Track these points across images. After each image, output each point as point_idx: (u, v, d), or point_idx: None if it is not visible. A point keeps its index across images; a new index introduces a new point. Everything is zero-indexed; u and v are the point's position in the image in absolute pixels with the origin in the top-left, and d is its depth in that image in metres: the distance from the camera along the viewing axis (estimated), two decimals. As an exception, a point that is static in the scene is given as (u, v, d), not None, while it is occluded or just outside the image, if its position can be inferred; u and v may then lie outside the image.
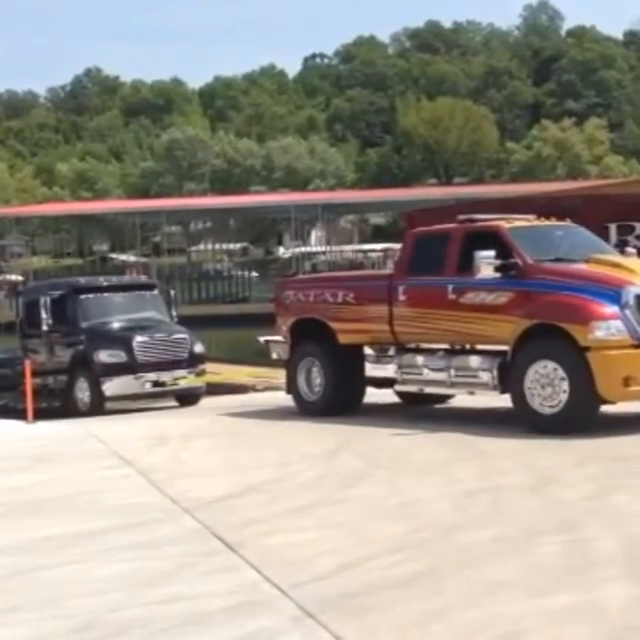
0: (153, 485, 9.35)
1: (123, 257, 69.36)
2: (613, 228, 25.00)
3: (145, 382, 17.65)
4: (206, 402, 17.69)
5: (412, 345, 12.75)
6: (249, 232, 77.03)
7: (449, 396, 13.53)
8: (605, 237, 24.20)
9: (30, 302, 19.55)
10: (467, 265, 11.69)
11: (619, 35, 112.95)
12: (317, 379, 13.60)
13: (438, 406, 13.92)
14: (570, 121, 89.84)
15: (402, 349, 12.76)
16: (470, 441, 10.76)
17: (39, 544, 7.40)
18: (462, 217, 12.49)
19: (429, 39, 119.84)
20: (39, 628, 5.54)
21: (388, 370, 12.91)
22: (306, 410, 13.63)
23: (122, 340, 17.79)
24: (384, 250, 57.48)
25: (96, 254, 71.50)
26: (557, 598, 5.44)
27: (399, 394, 13.81)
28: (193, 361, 18.12)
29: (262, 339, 15.14)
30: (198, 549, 6.98)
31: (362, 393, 13.68)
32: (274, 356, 14.77)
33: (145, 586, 6.16)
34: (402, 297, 12.64)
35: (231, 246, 71.46)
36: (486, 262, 11.37)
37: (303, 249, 64.89)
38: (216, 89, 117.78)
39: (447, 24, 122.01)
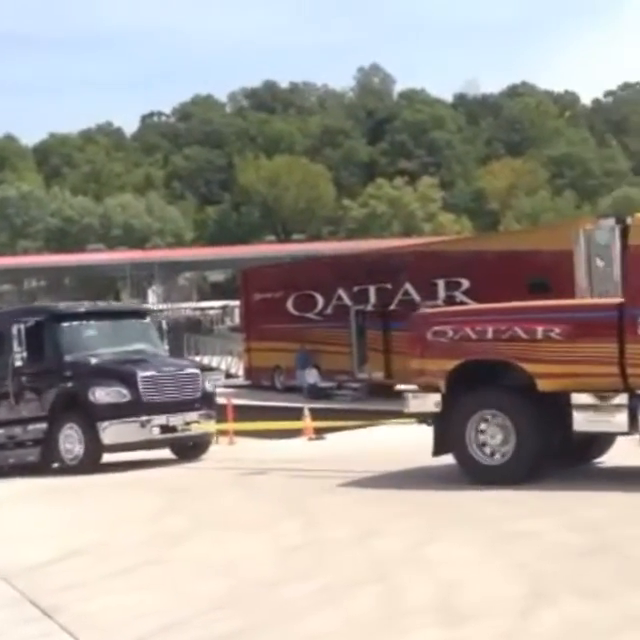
0: (-29, 553, 9.06)
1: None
2: (441, 283, 26.01)
3: (152, 427, 14.61)
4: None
5: None
6: (85, 290, 75.72)
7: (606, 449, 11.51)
8: (433, 293, 25.18)
9: None
10: None
11: (448, 97, 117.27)
12: (498, 436, 10.74)
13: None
14: (403, 179, 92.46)
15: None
16: (297, 497, 10.84)
17: None
18: None
19: (266, 98, 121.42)
20: None
21: (613, 423, 10.29)
22: (485, 477, 10.63)
23: (123, 375, 14.78)
24: (223, 307, 57.59)
25: None
26: (369, 647, 5.56)
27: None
28: (205, 402, 15.38)
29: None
30: (12, 617, 6.81)
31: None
32: (410, 409, 11.48)
33: (-45, 658, 5.98)
34: None
35: (68, 304, 70.21)
36: None
37: (141, 307, 64.27)
38: (51, 146, 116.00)
39: (284, 84, 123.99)
